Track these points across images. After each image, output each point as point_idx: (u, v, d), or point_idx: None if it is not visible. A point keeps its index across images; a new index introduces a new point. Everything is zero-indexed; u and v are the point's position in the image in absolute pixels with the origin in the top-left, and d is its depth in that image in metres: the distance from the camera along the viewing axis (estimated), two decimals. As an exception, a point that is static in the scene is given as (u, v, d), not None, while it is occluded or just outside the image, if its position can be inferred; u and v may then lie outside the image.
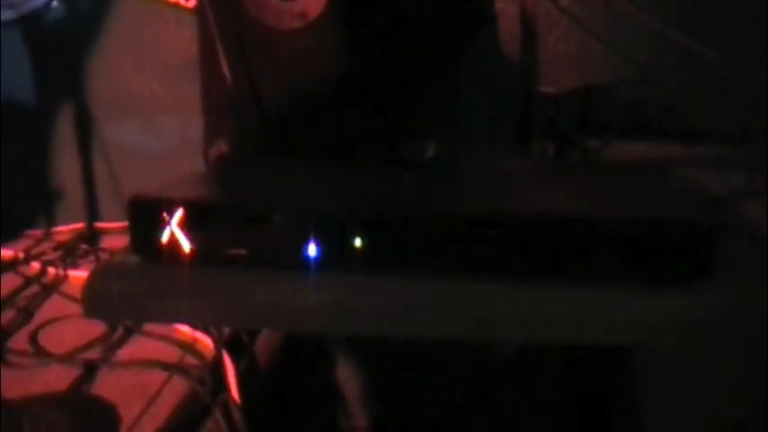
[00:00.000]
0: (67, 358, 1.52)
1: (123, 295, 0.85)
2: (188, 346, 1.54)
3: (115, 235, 2.03)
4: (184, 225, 0.82)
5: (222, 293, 0.82)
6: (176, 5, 2.00)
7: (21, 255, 1.99)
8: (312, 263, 0.79)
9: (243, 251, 0.81)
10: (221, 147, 1.24)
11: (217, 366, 1.42)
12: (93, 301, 0.87)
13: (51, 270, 1.91)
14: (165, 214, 0.82)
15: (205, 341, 1.54)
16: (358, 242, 0.78)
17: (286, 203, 0.84)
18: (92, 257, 1.97)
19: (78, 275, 1.86)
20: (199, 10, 1.34)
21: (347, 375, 1.55)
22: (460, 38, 1.52)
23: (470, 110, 1.53)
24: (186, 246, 0.82)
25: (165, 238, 0.83)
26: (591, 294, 0.77)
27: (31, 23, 2.11)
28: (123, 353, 1.56)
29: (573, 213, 0.78)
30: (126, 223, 0.85)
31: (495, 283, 0.77)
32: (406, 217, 0.77)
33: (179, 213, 0.82)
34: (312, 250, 0.79)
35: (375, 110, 1.25)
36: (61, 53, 2.12)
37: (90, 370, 1.49)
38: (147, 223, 0.83)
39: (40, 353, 1.56)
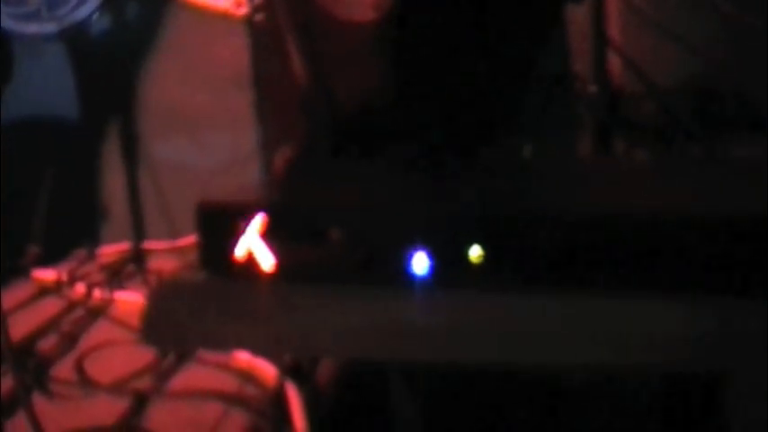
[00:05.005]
0: (116, 388, 1.41)
1: (190, 318, 0.72)
2: (246, 374, 1.42)
3: (163, 255, 1.92)
4: (265, 234, 0.69)
5: (309, 316, 0.68)
6: (225, 14, 1.90)
7: (65, 277, 1.89)
8: (420, 277, 0.66)
9: (335, 264, 0.68)
10: (288, 151, 1.12)
11: (279, 396, 1.30)
12: (155, 325, 0.74)
13: (97, 293, 1.81)
14: (241, 222, 0.69)
15: (264, 368, 1.42)
16: (476, 251, 0.64)
17: (384, 208, 0.70)
18: (139, 279, 1.86)
19: (125, 299, 1.76)
20: (260, 12, 1.24)
21: (407, 403, 1.43)
22: (538, 35, 1.42)
23: (550, 109, 1.44)
24: (267, 259, 0.69)
25: (241, 249, 0.70)
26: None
27: (74, 37, 2.04)
28: (176, 382, 1.44)
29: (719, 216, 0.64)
30: (174, 242, 0.73)
31: (639, 300, 0.62)
32: (539, 219, 0.63)
33: (258, 221, 0.69)
34: (421, 262, 0.65)
35: (457, 109, 1.13)
36: (105, 66, 2.04)
37: (140, 401, 1.38)
38: (220, 233, 0.70)
39: (86, 382, 1.45)
